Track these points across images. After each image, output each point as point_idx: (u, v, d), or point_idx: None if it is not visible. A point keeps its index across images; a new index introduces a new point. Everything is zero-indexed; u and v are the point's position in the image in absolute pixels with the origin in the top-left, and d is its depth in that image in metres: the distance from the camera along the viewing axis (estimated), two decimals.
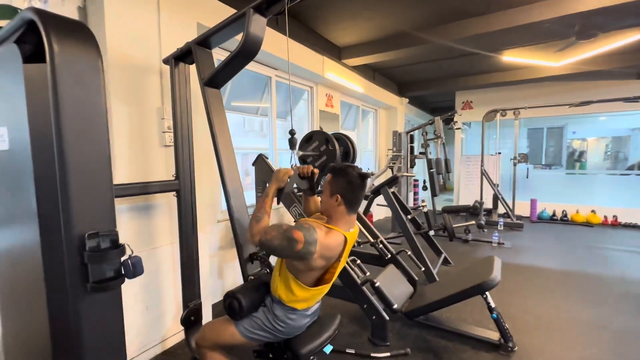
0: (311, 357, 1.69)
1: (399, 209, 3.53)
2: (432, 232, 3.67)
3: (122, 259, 0.92)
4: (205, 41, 1.73)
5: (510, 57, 4.60)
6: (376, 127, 6.55)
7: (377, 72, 5.55)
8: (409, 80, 6.37)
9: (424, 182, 4.73)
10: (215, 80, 1.71)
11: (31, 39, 0.86)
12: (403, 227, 3.40)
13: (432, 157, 4.81)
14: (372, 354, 2.05)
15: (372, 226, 3.03)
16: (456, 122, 4.81)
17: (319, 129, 2.90)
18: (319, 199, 1.61)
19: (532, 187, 6.73)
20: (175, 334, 2.20)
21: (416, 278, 2.79)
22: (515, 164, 5.87)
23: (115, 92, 1.83)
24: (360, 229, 3.06)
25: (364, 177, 1.37)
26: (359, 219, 3.06)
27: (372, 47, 4.21)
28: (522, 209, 6.34)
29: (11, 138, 0.95)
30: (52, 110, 0.82)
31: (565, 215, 6.14)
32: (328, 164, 2.70)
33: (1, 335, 1.22)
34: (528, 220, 6.14)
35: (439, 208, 5.24)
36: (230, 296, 1.41)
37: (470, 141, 8.28)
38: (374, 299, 2.23)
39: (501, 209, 5.94)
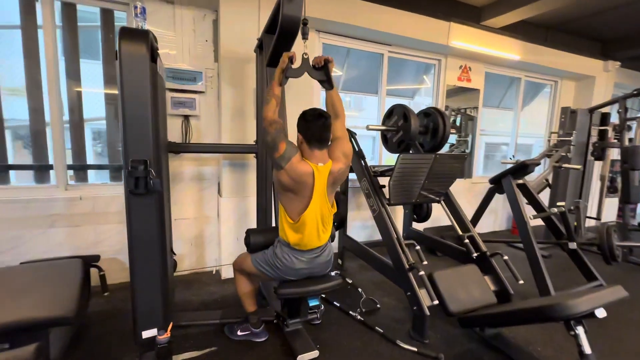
0: (316, 310, 1.84)
1: (524, 208, 2.73)
2: (573, 245, 2.59)
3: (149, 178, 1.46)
4: (270, 29, 2.09)
5: None
6: (554, 105, 4.95)
7: (551, 30, 4.15)
8: (620, 34, 4.34)
9: (610, 181, 3.22)
10: (272, 60, 2.05)
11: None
12: (522, 228, 2.64)
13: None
14: (398, 342, 1.92)
15: (464, 217, 2.57)
16: None
17: (408, 106, 2.68)
18: (338, 95, 1.69)
19: None
20: None
21: (511, 292, 2.21)
22: None
23: (224, 77, 2.53)
24: (450, 219, 2.67)
25: (318, 115, 1.50)
26: (451, 207, 2.66)
27: None
28: None
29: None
30: (119, 88, 1.42)
31: None
32: (404, 139, 2.52)
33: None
34: None
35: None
36: (247, 232, 1.79)
37: None
38: (420, 291, 2.01)
39: None
